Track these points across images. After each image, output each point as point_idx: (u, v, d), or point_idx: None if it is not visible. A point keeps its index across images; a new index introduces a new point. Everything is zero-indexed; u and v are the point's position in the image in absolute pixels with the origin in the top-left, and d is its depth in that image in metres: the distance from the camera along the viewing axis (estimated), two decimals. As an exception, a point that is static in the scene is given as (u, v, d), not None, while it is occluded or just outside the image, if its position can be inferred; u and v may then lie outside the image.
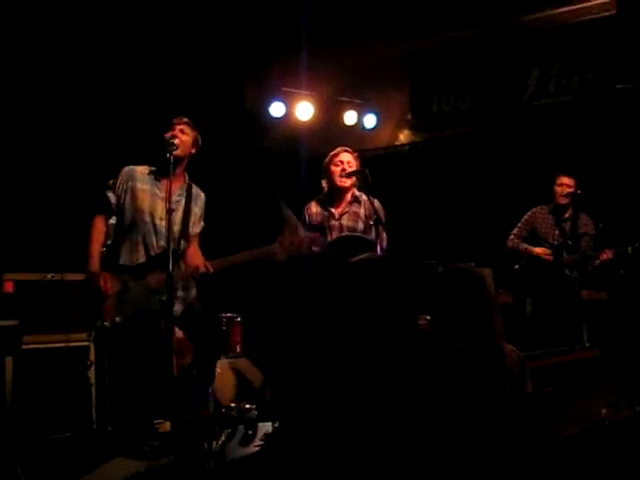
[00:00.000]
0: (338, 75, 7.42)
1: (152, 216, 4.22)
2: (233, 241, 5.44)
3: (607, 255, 5.88)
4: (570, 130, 6.49)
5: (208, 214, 4.69)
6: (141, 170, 4.33)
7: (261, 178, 7.14)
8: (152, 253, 4.22)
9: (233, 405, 4.98)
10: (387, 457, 1.32)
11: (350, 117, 7.45)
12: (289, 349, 1.38)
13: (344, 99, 7.46)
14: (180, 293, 4.29)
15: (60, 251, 5.61)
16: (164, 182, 4.20)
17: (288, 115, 7.17)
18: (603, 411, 2.71)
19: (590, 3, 6.50)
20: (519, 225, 6.40)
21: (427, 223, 7.23)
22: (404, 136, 7.88)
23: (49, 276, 5.39)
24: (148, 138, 4.62)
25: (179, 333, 5.07)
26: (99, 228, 4.18)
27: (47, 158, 6.07)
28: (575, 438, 2.59)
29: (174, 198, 4.15)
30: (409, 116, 7.75)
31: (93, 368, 5.15)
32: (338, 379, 1.37)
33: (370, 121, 7.51)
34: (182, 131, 4.33)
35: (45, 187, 6.02)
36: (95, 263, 4.11)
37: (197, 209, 4.46)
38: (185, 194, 4.35)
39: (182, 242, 4.28)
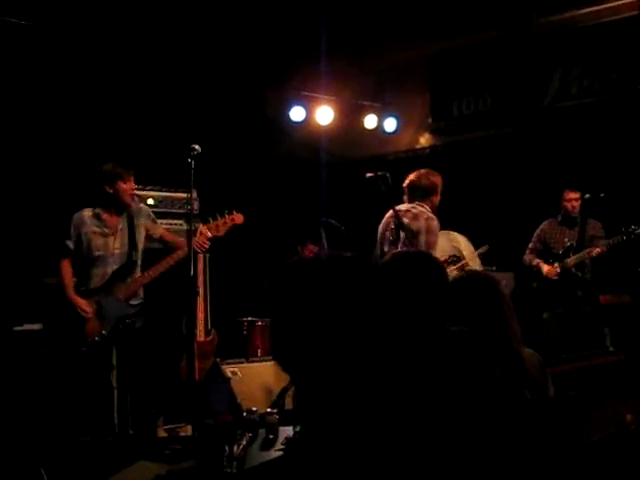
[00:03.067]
0: (358, 79, 7.42)
1: (105, 250, 4.85)
2: (256, 245, 5.47)
3: (599, 250, 5.91)
4: (593, 132, 6.42)
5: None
6: (87, 214, 4.90)
7: (281, 183, 7.16)
8: (106, 280, 4.83)
9: (254, 409, 4.99)
10: (414, 468, 1.31)
11: (370, 121, 7.43)
12: (318, 352, 1.37)
13: (364, 103, 7.45)
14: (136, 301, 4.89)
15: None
16: (107, 220, 4.87)
17: (308, 119, 7.17)
18: (628, 417, 2.67)
19: (613, 4, 6.44)
20: (533, 240, 6.45)
21: (447, 227, 7.19)
22: (424, 139, 7.85)
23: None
24: (170, 144, 4.72)
25: (201, 337, 5.11)
26: (66, 268, 4.83)
27: (87, 166, 6.14)
28: (599, 444, 2.55)
29: (120, 228, 4.88)
30: (429, 119, 7.73)
31: (115, 372, 5.17)
32: (369, 383, 1.36)
33: (390, 125, 7.50)
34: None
35: (63, 196, 6.06)
36: (72, 294, 4.75)
37: (142, 220, 4.98)
38: (126, 218, 4.91)
39: (133, 253, 4.88)
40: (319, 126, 7.23)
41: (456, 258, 5.36)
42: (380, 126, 7.47)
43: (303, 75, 7.01)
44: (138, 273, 4.91)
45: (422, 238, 4.80)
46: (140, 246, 4.97)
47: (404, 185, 5.15)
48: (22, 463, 3.97)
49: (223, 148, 4.78)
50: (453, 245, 5.63)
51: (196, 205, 5.40)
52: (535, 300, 6.30)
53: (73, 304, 4.75)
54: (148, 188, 6.09)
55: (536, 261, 6.37)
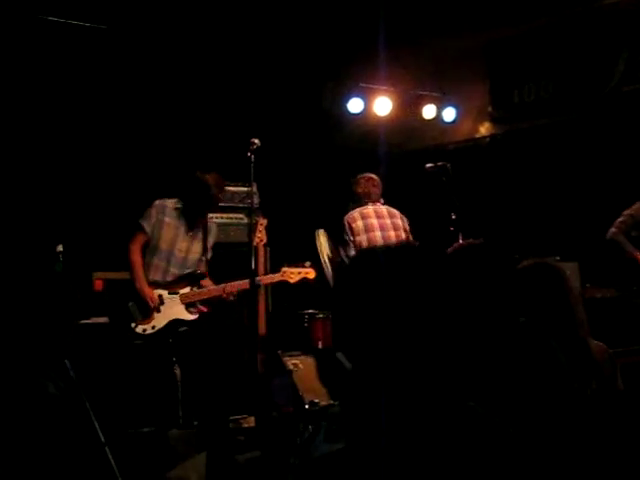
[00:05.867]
0: (416, 69, 7.35)
1: (172, 246, 4.85)
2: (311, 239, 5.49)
3: None
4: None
5: (288, 213, 4.84)
6: (170, 204, 4.92)
7: (339, 175, 7.15)
8: (171, 278, 4.85)
9: (316, 401, 5.01)
10: (483, 462, 1.29)
11: (429, 111, 7.36)
12: (381, 344, 1.36)
13: (423, 93, 7.38)
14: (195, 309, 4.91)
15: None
16: (187, 218, 4.89)
17: (366, 111, 7.14)
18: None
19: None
20: (622, 219, 5.95)
21: (509, 217, 7.07)
22: (484, 128, 7.73)
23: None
24: (230, 140, 4.78)
25: (262, 329, 5.15)
26: (136, 250, 4.83)
27: (135, 165, 6.28)
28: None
29: (192, 233, 4.91)
30: (489, 108, 7.60)
31: (178, 365, 5.27)
32: (436, 376, 1.34)
33: (449, 114, 7.41)
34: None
35: (131, 191, 6.21)
36: (143, 281, 4.76)
37: (211, 239, 5.02)
38: (202, 228, 4.97)
39: (202, 267, 4.93)
40: (377, 117, 7.20)
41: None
42: (439, 116, 7.39)
43: (361, 67, 6.98)
44: (201, 285, 4.93)
45: None
46: (206, 259, 5.00)
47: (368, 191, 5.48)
48: (88, 448, 4.07)
49: (281, 141, 4.80)
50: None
51: (256, 199, 5.43)
52: (620, 277, 5.93)
53: (141, 292, 4.77)
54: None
55: (630, 248, 5.82)
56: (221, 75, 6.47)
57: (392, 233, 5.33)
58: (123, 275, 5.54)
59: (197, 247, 4.93)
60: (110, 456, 4.02)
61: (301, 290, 5.35)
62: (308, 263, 5.08)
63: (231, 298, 4.84)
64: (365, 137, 7.25)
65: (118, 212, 6.12)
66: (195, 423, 4.92)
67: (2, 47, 5.46)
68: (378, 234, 5.29)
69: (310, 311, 5.72)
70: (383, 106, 7.14)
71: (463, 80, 7.46)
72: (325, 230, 5.79)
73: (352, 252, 5.26)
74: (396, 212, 5.48)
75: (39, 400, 4.09)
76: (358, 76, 7.08)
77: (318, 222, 6.08)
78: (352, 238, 5.30)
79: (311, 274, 5.05)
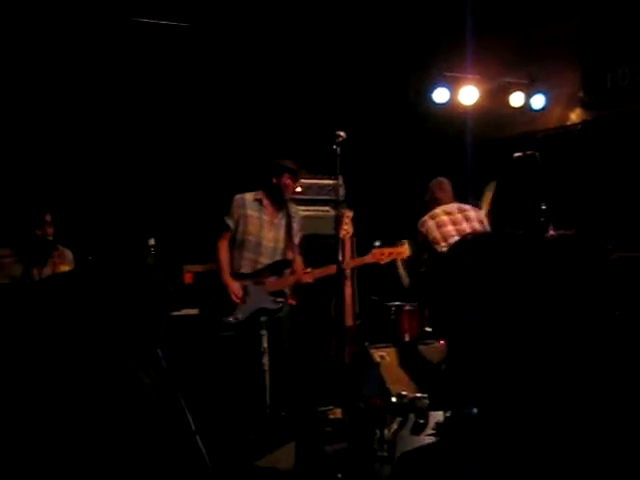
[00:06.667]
0: (503, 56, 7.19)
1: (258, 237, 4.99)
2: (403, 229, 5.47)
3: None
4: None
5: (374, 204, 4.87)
6: (249, 197, 5.07)
7: (425, 166, 7.08)
8: (259, 267, 4.96)
9: (404, 393, 4.99)
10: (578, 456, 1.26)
11: (517, 98, 7.20)
12: (473, 334, 1.34)
13: (510, 80, 7.22)
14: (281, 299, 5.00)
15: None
16: (268, 207, 5.03)
17: (452, 100, 7.05)
18: None
19: None
20: None
21: (602, 206, 6.83)
22: (575, 115, 7.49)
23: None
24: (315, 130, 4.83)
25: (349, 321, 5.17)
26: (223, 248, 5.00)
27: (223, 161, 6.41)
28: None
29: (276, 221, 5.03)
30: (580, 93, 7.35)
31: (267, 355, 5.34)
32: (534, 367, 1.32)
33: (538, 101, 7.23)
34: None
35: (219, 185, 6.34)
36: (227, 275, 4.93)
37: (295, 224, 5.12)
38: (285, 215, 5.08)
39: (288, 254, 5.04)
40: (463, 106, 7.09)
41: None
42: (527, 103, 7.22)
43: (446, 56, 6.89)
44: (288, 272, 5.02)
45: None
46: (293, 246, 5.08)
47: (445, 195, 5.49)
48: (180, 437, 4.18)
49: (367, 133, 4.81)
50: None
51: (342, 191, 5.44)
52: None
53: (226, 286, 4.90)
54: (294, 176, 6.23)
55: None
56: (308, 69, 6.51)
57: (465, 225, 5.26)
58: (212, 268, 5.67)
59: (283, 235, 5.03)
60: (201, 444, 4.12)
61: (388, 281, 5.34)
62: (405, 241, 5.08)
63: (309, 280, 4.91)
64: (451, 127, 7.15)
65: (207, 207, 6.27)
66: (282, 413, 4.99)
67: (94, 47, 5.67)
68: (450, 228, 5.26)
69: (397, 303, 5.70)
70: (469, 95, 7.04)
71: (552, 66, 7.25)
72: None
73: (436, 249, 5.20)
74: (467, 206, 5.44)
75: (134, 390, 4.22)
76: (443, 65, 6.99)
77: (404, 213, 6.04)
78: (428, 238, 5.29)
79: (404, 253, 5.03)
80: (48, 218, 4.90)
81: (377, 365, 5.37)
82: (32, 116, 5.81)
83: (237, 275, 4.96)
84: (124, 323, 4.23)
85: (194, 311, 5.48)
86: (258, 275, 4.95)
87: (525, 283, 1.36)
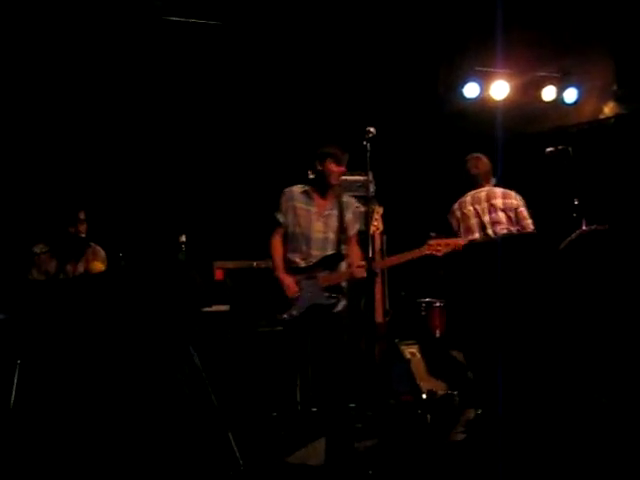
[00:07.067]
0: (534, 50, 7.11)
1: (308, 229, 4.86)
2: (433, 225, 5.44)
3: None
4: None
5: (404, 200, 4.82)
6: (297, 190, 4.96)
7: (455, 162, 7.04)
8: (312, 260, 4.82)
9: (434, 390, 4.97)
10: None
11: (549, 92, 7.13)
12: (500, 334, 1.33)
13: (542, 74, 7.14)
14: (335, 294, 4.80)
15: (266, 240, 5.90)
16: (316, 198, 4.91)
17: (482, 95, 6.99)
18: None
19: None
20: None
21: (636, 201, 6.73)
22: (609, 108, 7.39)
23: (255, 264, 5.70)
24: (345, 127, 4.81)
25: (379, 318, 5.15)
26: (277, 243, 4.91)
27: (252, 157, 6.44)
28: None
29: (326, 212, 4.89)
30: (614, 86, 7.25)
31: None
32: (567, 369, 1.30)
33: (571, 95, 7.15)
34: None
35: (250, 181, 6.37)
36: (281, 271, 4.82)
37: (350, 215, 4.96)
38: (337, 206, 4.93)
39: (342, 247, 4.87)
40: (494, 101, 7.03)
41: None
42: (560, 97, 7.14)
43: (476, 50, 6.83)
44: (343, 266, 4.88)
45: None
46: (347, 238, 4.93)
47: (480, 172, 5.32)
48: (212, 432, 4.21)
49: (397, 129, 4.78)
50: None
51: (372, 187, 5.42)
52: None
53: (281, 282, 4.80)
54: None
55: None
56: (337, 64, 6.50)
57: (487, 218, 5.15)
58: (242, 264, 5.71)
59: (334, 226, 4.90)
60: (232, 440, 4.14)
61: (418, 277, 5.32)
62: (433, 234, 4.95)
63: (363, 275, 4.68)
64: (482, 122, 7.09)
65: (237, 205, 6.31)
66: (313, 409, 5.00)
67: (127, 46, 5.73)
68: (473, 221, 5.14)
69: (427, 299, 5.68)
70: (500, 90, 6.99)
71: (585, 59, 7.16)
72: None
73: (466, 237, 5.11)
74: (498, 191, 5.30)
75: (168, 385, 4.26)
76: (474, 60, 6.94)
77: (434, 209, 6.01)
78: (454, 229, 5.19)
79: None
80: (82, 216, 4.97)
81: (407, 362, 5.36)
82: (72, 117, 5.89)
83: (290, 270, 4.85)
84: (156, 320, 4.28)
85: (225, 307, 5.51)
86: (310, 270, 4.82)
87: (557, 285, 1.34)
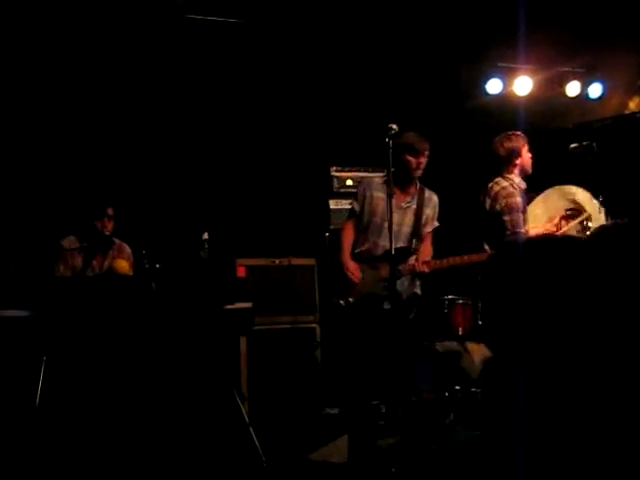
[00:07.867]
0: (558, 45, 7.05)
1: (383, 220, 4.74)
2: (453, 223, 5.41)
3: None
4: None
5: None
6: (377, 180, 4.95)
7: (479, 159, 6.99)
8: (380, 251, 4.74)
9: (457, 387, 4.94)
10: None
11: (573, 88, 7.08)
12: (526, 335, 1.33)
13: (565, 69, 7.08)
14: (400, 287, 4.60)
15: (287, 238, 5.93)
16: (396, 190, 4.65)
17: (505, 91, 6.96)
18: None
19: None
20: None
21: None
22: (634, 104, 7.31)
23: (277, 261, 5.71)
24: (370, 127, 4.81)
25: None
26: (348, 230, 4.90)
27: (274, 155, 6.45)
28: None
29: (404, 204, 4.80)
30: (639, 81, 7.18)
31: (319, 348, 5.36)
32: (584, 369, 1.29)
33: (595, 90, 7.10)
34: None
35: (271, 179, 6.39)
36: (346, 256, 4.80)
37: (429, 211, 4.91)
38: (416, 199, 4.86)
39: (414, 241, 4.79)
40: (517, 97, 6.99)
41: (575, 211, 5.16)
42: (584, 93, 7.09)
43: (499, 46, 6.79)
44: (412, 260, 4.80)
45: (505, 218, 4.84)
46: (422, 234, 4.88)
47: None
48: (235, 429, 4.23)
49: (419, 125, 4.75)
50: (568, 199, 5.34)
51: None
52: None
53: (344, 266, 4.77)
54: (347, 169, 6.24)
55: None
56: (359, 61, 6.50)
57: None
58: (264, 262, 5.72)
59: (410, 220, 4.83)
60: (254, 437, 4.16)
61: (441, 274, 5.28)
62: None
63: (424, 270, 4.72)
64: (505, 118, 7.04)
65: (259, 202, 6.32)
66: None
67: (151, 44, 5.77)
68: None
69: (450, 297, 5.65)
70: (523, 85, 6.96)
71: (610, 53, 7.09)
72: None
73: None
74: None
75: (192, 382, 4.29)
76: (496, 56, 6.90)
77: (456, 205, 5.98)
78: (510, 217, 4.92)
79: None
80: (110, 212, 5.01)
81: (430, 359, 5.34)
82: (102, 115, 5.95)
83: (356, 257, 4.80)
84: (182, 317, 4.30)
85: (247, 304, 5.52)
86: (376, 260, 4.75)
87: (572, 284, 1.33)
